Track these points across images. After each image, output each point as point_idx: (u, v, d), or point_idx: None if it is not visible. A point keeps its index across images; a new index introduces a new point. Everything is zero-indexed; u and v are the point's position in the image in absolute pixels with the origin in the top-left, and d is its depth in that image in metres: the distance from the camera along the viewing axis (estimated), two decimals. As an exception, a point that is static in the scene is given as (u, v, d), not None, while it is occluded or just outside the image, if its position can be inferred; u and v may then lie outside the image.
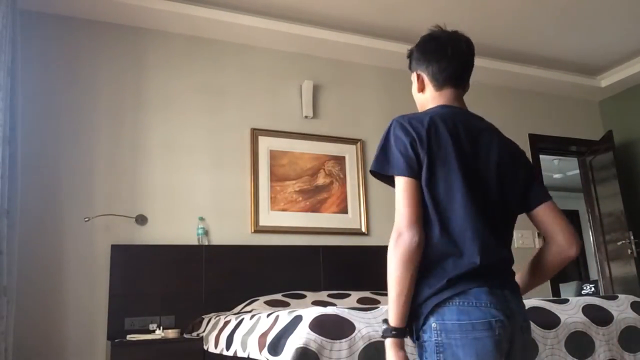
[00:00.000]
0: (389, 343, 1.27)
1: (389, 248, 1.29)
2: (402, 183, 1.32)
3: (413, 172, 1.32)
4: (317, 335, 1.77)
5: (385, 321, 1.29)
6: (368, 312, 1.96)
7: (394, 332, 1.26)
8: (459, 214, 1.30)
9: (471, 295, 1.25)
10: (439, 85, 1.53)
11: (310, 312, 1.89)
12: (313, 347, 1.74)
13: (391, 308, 1.27)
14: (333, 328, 1.82)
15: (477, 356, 1.21)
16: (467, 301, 1.24)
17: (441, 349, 1.23)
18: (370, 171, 1.40)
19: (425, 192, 1.31)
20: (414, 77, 1.59)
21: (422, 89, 1.56)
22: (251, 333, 2.23)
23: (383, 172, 1.35)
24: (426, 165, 1.32)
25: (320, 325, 1.81)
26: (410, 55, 1.63)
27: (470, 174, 1.34)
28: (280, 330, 1.93)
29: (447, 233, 1.29)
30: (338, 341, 1.79)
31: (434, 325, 1.25)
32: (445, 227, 1.30)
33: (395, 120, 1.42)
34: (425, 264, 1.29)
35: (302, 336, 1.77)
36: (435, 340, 1.24)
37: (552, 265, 1.49)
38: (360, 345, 1.81)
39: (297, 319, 1.89)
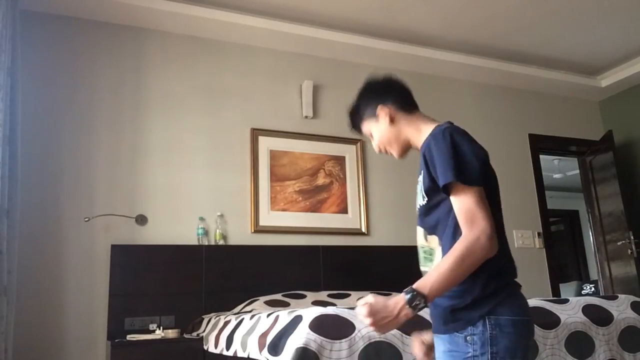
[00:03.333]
0: (411, 314, 1.28)
1: (472, 244, 1.29)
2: (479, 193, 1.35)
3: (484, 182, 1.40)
4: (317, 335, 1.77)
5: (423, 298, 1.28)
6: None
7: (422, 306, 1.29)
8: (498, 221, 1.42)
9: (520, 297, 1.40)
10: (408, 110, 1.57)
11: (310, 312, 1.89)
12: (313, 347, 1.74)
13: (437, 292, 1.30)
14: (333, 328, 1.83)
15: (523, 350, 1.35)
16: (517, 302, 1.38)
17: (495, 342, 1.31)
18: (444, 185, 1.36)
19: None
20: (379, 112, 1.57)
21: (392, 119, 1.56)
22: (251, 333, 2.23)
23: (461, 182, 1.35)
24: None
25: (321, 325, 1.81)
26: (356, 108, 1.64)
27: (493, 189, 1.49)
28: (280, 330, 1.93)
29: (500, 239, 1.38)
30: (338, 341, 1.79)
31: (489, 320, 1.33)
32: (499, 232, 1.38)
33: (449, 128, 1.45)
34: (493, 270, 1.36)
35: (302, 336, 1.78)
36: (490, 334, 1.32)
37: None
38: (361, 345, 1.81)
39: (297, 319, 1.89)
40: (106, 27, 3.73)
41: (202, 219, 3.64)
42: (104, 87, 3.63)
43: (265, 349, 1.96)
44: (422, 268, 1.51)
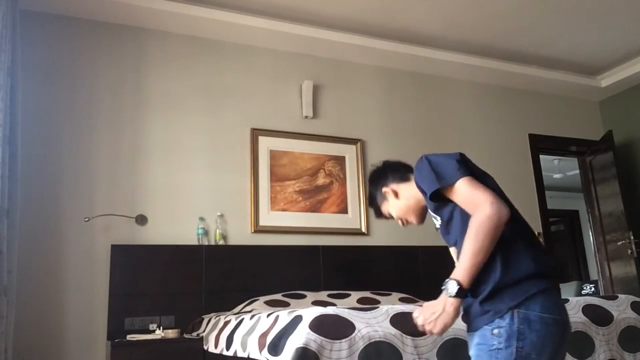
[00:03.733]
0: (455, 302, 1.35)
1: (479, 216, 1.36)
2: (467, 181, 1.43)
3: (471, 172, 1.47)
4: (317, 335, 1.77)
5: (456, 282, 1.35)
6: (368, 312, 1.96)
7: (461, 290, 1.34)
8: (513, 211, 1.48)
9: (554, 295, 1.41)
10: (405, 178, 1.74)
11: (310, 312, 1.89)
12: (313, 347, 1.74)
13: (468, 272, 1.35)
14: (333, 328, 1.83)
15: (552, 350, 1.35)
16: (550, 299, 1.38)
17: (521, 337, 1.32)
18: (431, 195, 1.49)
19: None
20: (384, 194, 1.77)
21: (396, 194, 1.74)
22: (251, 333, 2.23)
23: (445, 184, 1.45)
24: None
25: (320, 325, 1.81)
26: (371, 199, 1.86)
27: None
28: (280, 330, 1.93)
29: (521, 227, 1.49)
30: (338, 341, 1.79)
31: (518, 313, 1.34)
32: (515, 219, 1.45)
33: (425, 155, 1.57)
34: (510, 254, 1.40)
35: (302, 336, 1.77)
36: (517, 328, 1.33)
37: None
38: (361, 345, 1.81)
39: (297, 319, 1.89)
40: (106, 27, 3.73)
41: (202, 219, 3.64)
42: (104, 87, 3.63)
43: (265, 349, 1.96)
44: None
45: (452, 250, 1.58)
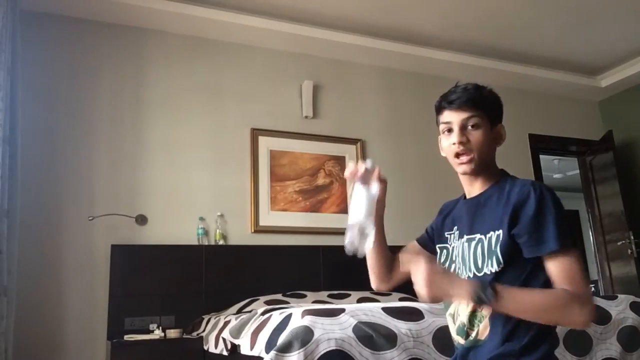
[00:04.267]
0: (469, 295, 1.20)
1: (575, 305, 1.19)
2: (579, 255, 1.26)
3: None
4: (310, 316, 1.85)
5: (491, 289, 1.18)
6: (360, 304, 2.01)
7: (486, 301, 1.18)
8: None
9: None
10: (498, 147, 1.50)
11: (300, 308, 1.97)
12: (306, 322, 1.82)
13: (515, 300, 1.20)
14: (324, 311, 1.92)
15: None
16: None
17: None
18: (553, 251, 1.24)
19: None
20: (499, 129, 1.47)
21: (498, 142, 1.47)
22: (248, 331, 2.23)
23: (572, 246, 1.25)
24: None
25: (312, 312, 1.90)
26: (499, 102, 1.49)
27: None
28: (276, 327, 1.97)
29: None
30: (330, 318, 1.86)
31: None
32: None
33: (547, 188, 1.32)
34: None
35: (295, 323, 1.84)
36: None
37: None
38: (353, 322, 1.87)
39: (289, 316, 1.95)
40: (106, 27, 3.73)
41: (202, 219, 3.64)
42: (104, 87, 3.63)
43: (263, 346, 1.97)
44: (460, 340, 1.38)
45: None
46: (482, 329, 1.30)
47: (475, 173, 1.43)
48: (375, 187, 1.43)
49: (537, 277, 1.27)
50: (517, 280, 1.26)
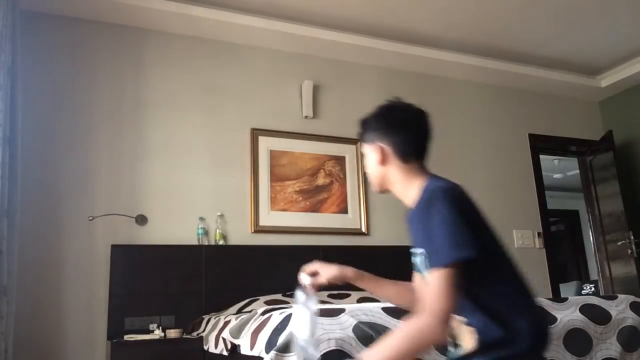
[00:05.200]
0: None
1: (418, 328, 1.25)
2: (453, 270, 1.28)
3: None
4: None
5: None
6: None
7: None
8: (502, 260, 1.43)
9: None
10: (406, 157, 1.46)
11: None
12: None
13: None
14: (325, 310, 1.91)
15: None
16: None
17: None
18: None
19: None
20: (372, 148, 1.50)
21: (384, 161, 1.47)
22: (248, 331, 2.24)
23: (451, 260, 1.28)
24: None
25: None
26: (364, 125, 1.54)
27: None
28: (277, 326, 1.96)
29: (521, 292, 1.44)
30: (330, 317, 1.86)
31: None
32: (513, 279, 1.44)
33: (438, 196, 1.31)
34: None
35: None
36: None
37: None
38: (353, 322, 1.87)
39: (289, 316, 1.94)
40: (106, 27, 3.73)
41: (202, 219, 3.64)
42: (104, 87, 3.63)
43: (263, 346, 1.97)
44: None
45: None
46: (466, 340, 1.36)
47: (386, 192, 1.53)
48: (312, 303, 1.48)
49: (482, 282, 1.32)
50: (462, 291, 1.28)
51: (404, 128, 1.47)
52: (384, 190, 1.52)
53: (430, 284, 1.26)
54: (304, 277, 1.53)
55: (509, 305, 1.31)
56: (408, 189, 1.44)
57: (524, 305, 1.34)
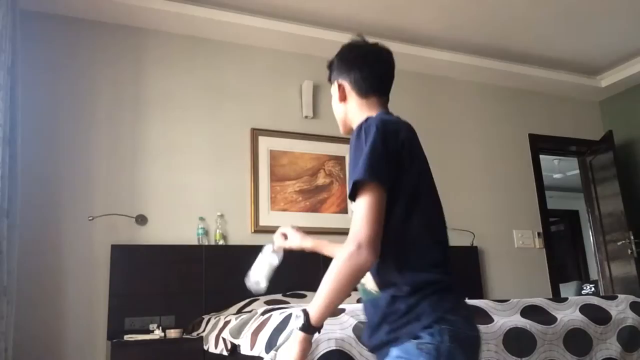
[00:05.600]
0: (301, 337, 1.28)
1: (343, 259, 1.25)
2: (374, 191, 1.29)
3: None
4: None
5: (306, 315, 1.27)
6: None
7: (311, 330, 1.27)
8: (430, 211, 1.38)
9: (470, 310, 1.33)
10: (363, 93, 1.47)
11: (300, 308, 1.95)
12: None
13: (319, 308, 1.26)
14: None
15: None
16: (470, 313, 1.30)
17: (449, 357, 1.18)
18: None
19: None
20: (334, 87, 1.52)
21: (343, 98, 1.49)
22: (248, 331, 2.23)
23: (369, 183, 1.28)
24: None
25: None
26: (330, 66, 1.56)
27: None
28: (277, 326, 1.96)
29: (436, 235, 1.35)
30: (330, 317, 1.83)
31: (445, 329, 1.19)
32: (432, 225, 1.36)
33: (369, 124, 1.32)
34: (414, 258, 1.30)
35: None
36: (446, 346, 1.18)
37: None
38: (353, 321, 1.86)
39: (289, 316, 1.95)
40: (106, 27, 3.73)
41: (202, 219, 3.64)
42: (104, 87, 3.63)
43: (263, 346, 1.97)
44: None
45: None
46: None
47: (345, 133, 1.52)
48: (274, 259, 1.83)
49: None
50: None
51: (362, 64, 1.48)
52: (348, 131, 1.50)
53: (354, 214, 1.27)
54: (276, 236, 1.82)
55: (409, 249, 1.28)
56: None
57: (423, 252, 1.28)
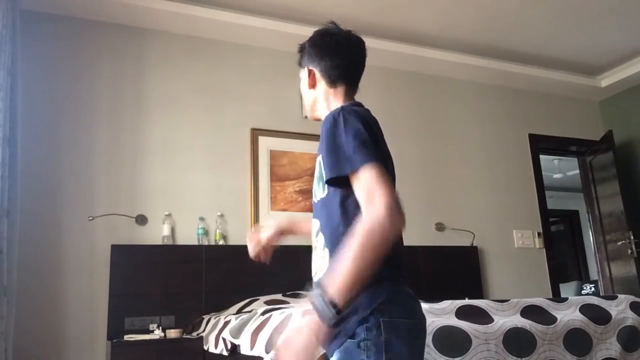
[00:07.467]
0: (324, 331, 1.08)
1: (372, 223, 1.09)
2: (378, 167, 1.20)
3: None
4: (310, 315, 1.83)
5: (331, 301, 1.07)
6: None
7: (335, 319, 1.08)
8: None
9: (412, 296, 1.25)
10: (333, 81, 1.46)
11: (300, 308, 1.95)
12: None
13: (347, 290, 1.07)
14: None
15: (418, 356, 1.21)
16: (411, 300, 1.24)
17: (389, 348, 1.13)
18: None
19: None
20: (304, 72, 1.51)
21: (313, 85, 1.48)
22: (248, 331, 2.23)
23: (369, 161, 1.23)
24: None
25: (312, 312, 1.87)
26: (301, 50, 1.54)
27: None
28: (277, 326, 1.96)
29: None
30: None
31: (381, 322, 1.13)
32: None
33: (345, 110, 1.31)
34: None
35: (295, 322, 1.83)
36: (384, 338, 1.12)
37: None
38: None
39: (289, 316, 1.94)
40: (106, 27, 3.73)
41: (202, 219, 3.64)
42: (104, 87, 3.63)
43: (263, 346, 1.97)
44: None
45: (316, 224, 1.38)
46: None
47: (317, 119, 1.49)
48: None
49: (353, 197, 1.21)
50: (336, 205, 1.24)
51: (334, 52, 1.47)
52: (315, 117, 1.52)
53: (360, 185, 1.17)
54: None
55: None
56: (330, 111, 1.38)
57: None
